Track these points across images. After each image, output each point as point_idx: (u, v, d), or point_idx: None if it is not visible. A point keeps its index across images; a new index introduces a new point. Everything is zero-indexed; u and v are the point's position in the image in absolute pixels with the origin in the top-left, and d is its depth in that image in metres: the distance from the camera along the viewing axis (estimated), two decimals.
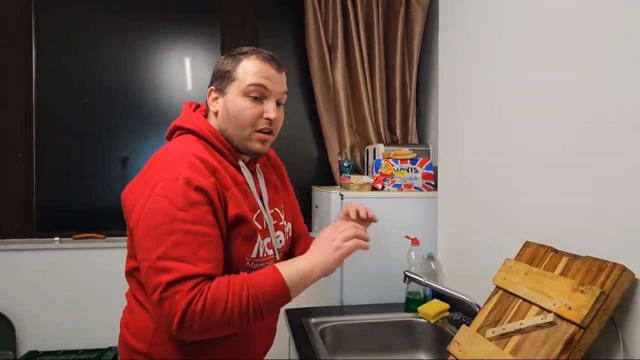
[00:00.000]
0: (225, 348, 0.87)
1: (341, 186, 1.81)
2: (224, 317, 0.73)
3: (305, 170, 2.19)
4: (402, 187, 1.66)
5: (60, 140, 1.97)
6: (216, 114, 0.91)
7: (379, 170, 1.67)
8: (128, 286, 0.92)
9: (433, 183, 1.68)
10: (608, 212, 0.82)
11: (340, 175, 1.85)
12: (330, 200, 1.58)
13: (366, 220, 0.97)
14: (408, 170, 1.68)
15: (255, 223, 0.89)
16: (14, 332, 1.80)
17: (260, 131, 0.89)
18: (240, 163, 0.92)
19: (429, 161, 1.70)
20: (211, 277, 0.75)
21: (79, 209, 2.00)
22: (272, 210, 0.97)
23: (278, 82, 0.90)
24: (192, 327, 0.72)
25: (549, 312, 0.82)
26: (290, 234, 1.05)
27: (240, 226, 0.84)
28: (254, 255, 0.87)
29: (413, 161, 1.68)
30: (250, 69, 0.87)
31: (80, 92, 1.98)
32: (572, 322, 0.76)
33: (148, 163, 0.85)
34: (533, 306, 0.87)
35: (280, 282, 0.76)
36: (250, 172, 0.95)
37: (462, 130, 1.38)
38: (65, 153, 1.97)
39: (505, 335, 0.88)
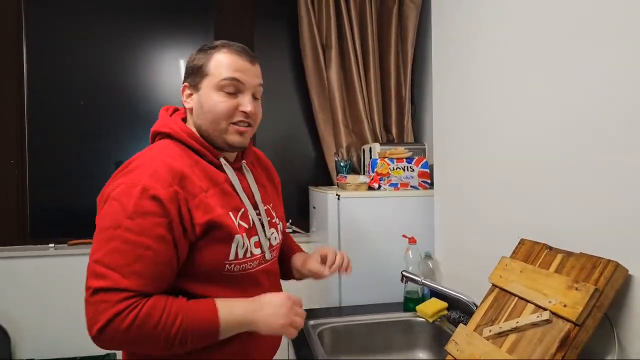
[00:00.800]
0: (230, 351, 0.85)
1: (338, 186, 1.81)
2: (151, 339, 0.73)
3: (302, 170, 2.18)
4: (399, 186, 1.66)
5: (53, 145, 1.95)
6: (191, 110, 0.91)
7: (375, 170, 1.67)
8: None
9: (429, 181, 1.68)
10: (601, 208, 0.82)
11: (337, 175, 1.85)
12: (327, 201, 1.58)
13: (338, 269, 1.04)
14: (404, 169, 1.67)
15: (240, 222, 0.86)
16: (10, 340, 1.78)
17: (236, 124, 0.87)
18: (222, 160, 0.90)
19: (425, 159, 1.70)
20: (143, 294, 0.73)
21: (73, 215, 1.98)
22: (266, 208, 0.96)
23: (252, 74, 0.88)
24: (113, 339, 0.72)
25: (545, 309, 0.82)
26: (281, 234, 1.03)
27: (214, 232, 0.81)
28: (232, 257, 0.84)
29: (409, 160, 1.68)
30: (222, 62, 0.86)
31: (73, 95, 1.96)
32: (568, 320, 0.76)
33: (122, 166, 0.84)
34: (529, 304, 0.87)
35: (214, 324, 0.77)
36: (237, 169, 0.93)
37: (456, 129, 1.38)
38: (59, 158, 1.95)
39: (502, 334, 0.88)
